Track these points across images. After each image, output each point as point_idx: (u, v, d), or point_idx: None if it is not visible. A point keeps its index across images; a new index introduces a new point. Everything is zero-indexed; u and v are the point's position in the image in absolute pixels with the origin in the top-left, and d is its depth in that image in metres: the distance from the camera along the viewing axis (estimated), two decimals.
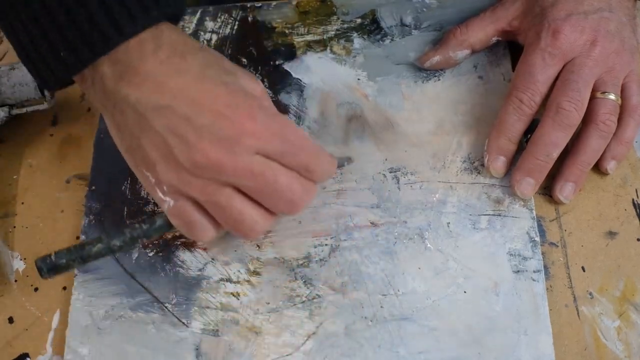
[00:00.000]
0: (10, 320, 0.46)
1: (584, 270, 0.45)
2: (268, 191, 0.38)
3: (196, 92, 0.37)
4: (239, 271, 0.46)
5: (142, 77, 0.37)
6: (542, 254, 0.45)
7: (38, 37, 0.37)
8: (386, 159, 0.49)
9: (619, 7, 0.47)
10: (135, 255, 0.47)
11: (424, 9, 0.55)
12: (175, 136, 0.36)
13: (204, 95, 0.37)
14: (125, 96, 0.37)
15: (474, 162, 0.48)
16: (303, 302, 0.44)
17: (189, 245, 0.47)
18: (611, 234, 0.46)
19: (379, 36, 0.54)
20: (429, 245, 0.46)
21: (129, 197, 0.49)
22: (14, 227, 0.50)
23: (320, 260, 0.46)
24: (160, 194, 0.39)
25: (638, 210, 0.47)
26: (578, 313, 0.43)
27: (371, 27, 0.55)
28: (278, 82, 0.53)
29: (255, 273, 0.46)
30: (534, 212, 0.46)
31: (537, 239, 0.45)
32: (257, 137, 0.37)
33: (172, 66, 0.37)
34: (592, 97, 0.45)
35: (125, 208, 0.49)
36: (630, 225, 0.46)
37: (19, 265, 0.48)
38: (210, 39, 0.55)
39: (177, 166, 0.37)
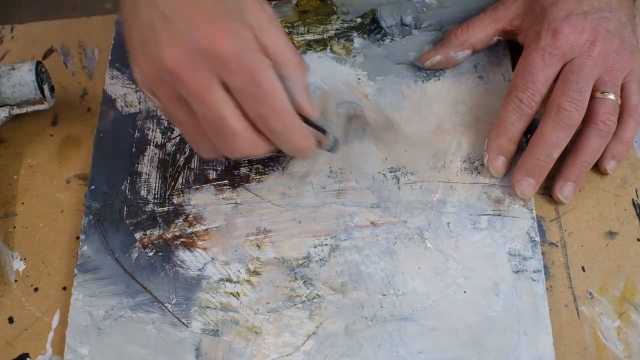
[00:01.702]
0: (10, 320, 0.46)
1: (584, 270, 0.45)
2: (211, 123, 0.38)
3: None
4: (239, 271, 0.46)
5: None
6: (542, 254, 0.45)
7: None
8: (386, 159, 0.49)
9: (619, 7, 0.47)
10: (135, 255, 0.47)
11: (424, 9, 0.55)
12: (153, 33, 0.37)
13: (191, 1, 0.37)
14: None
15: (474, 162, 0.48)
16: (303, 302, 0.44)
17: (189, 245, 0.47)
18: (611, 234, 0.46)
19: (379, 36, 0.54)
20: (429, 245, 0.46)
21: (128, 197, 0.49)
22: (14, 227, 0.50)
23: (320, 260, 0.46)
24: (145, 92, 0.39)
25: (638, 210, 0.47)
26: (578, 313, 0.43)
27: (371, 26, 0.55)
28: None
29: (255, 273, 0.46)
30: (534, 212, 0.46)
31: (537, 239, 0.45)
32: (223, 63, 0.36)
33: None
34: (592, 97, 0.45)
35: (125, 208, 0.49)
36: (630, 225, 0.46)
37: (19, 265, 0.48)
38: None
39: (151, 62, 0.37)
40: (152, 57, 0.37)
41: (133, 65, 0.39)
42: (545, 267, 0.45)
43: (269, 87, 0.37)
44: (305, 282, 0.45)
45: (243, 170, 0.49)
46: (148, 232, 0.48)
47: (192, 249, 0.47)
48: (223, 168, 0.50)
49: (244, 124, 0.38)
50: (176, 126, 0.40)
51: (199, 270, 0.46)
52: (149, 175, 0.50)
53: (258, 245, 0.47)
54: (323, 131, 0.43)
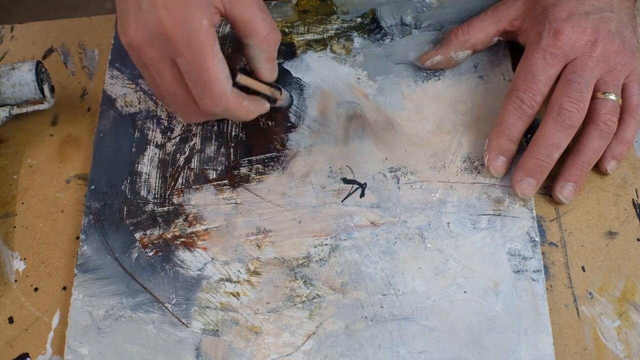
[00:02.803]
0: (10, 320, 0.46)
1: (584, 270, 0.45)
2: (165, 95, 0.43)
3: None
4: (239, 271, 0.46)
5: None
6: (542, 254, 0.45)
7: None
8: (386, 159, 0.49)
9: (620, 7, 0.47)
10: (135, 255, 0.47)
11: (424, 9, 0.55)
12: (125, 5, 0.40)
13: None
14: None
15: (474, 162, 0.48)
16: (303, 302, 0.44)
17: (189, 245, 0.47)
18: (611, 234, 0.46)
19: (379, 35, 0.54)
20: (429, 245, 0.46)
21: (128, 197, 0.49)
22: (14, 227, 0.50)
23: (320, 260, 0.46)
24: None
25: (638, 210, 0.47)
26: (578, 313, 0.43)
27: (371, 26, 0.55)
28: (278, 81, 0.53)
29: (255, 273, 0.46)
30: (534, 212, 0.46)
31: (537, 239, 0.45)
32: (172, 46, 0.39)
33: None
34: (593, 98, 0.45)
35: (125, 208, 0.49)
36: (630, 225, 0.46)
37: (19, 265, 0.48)
38: None
39: (122, 32, 0.41)
40: (124, 27, 0.41)
41: (120, 33, 0.42)
42: (545, 267, 0.45)
43: (209, 72, 0.40)
44: (305, 282, 0.45)
45: (243, 170, 0.49)
46: (148, 232, 0.48)
47: (192, 249, 0.47)
48: (223, 168, 0.50)
49: (194, 99, 0.42)
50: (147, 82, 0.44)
51: (199, 270, 0.46)
52: (149, 175, 0.50)
53: (258, 245, 0.47)
54: (279, 89, 0.47)
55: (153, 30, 0.39)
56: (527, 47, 0.48)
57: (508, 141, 0.46)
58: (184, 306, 0.45)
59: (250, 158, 0.50)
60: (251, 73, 0.44)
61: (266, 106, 0.46)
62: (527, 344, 0.42)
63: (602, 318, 0.43)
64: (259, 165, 0.49)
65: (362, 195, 0.48)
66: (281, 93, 0.47)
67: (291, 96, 0.50)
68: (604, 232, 0.46)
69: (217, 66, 0.40)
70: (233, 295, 0.45)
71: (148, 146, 0.51)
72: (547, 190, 0.47)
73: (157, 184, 0.49)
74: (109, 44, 0.56)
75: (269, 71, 0.45)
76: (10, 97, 0.50)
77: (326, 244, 0.46)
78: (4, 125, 0.52)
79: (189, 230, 0.48)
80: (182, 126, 0.52)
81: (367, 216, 0.47)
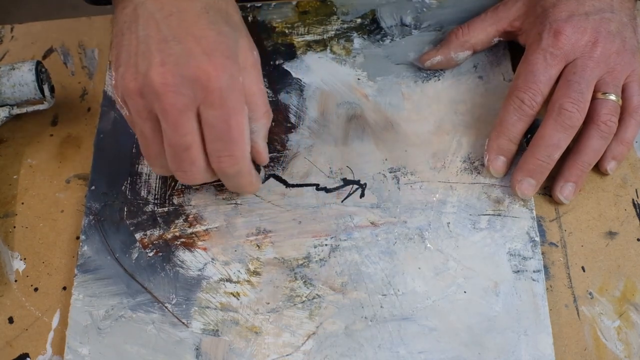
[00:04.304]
0: (10, 320, 0.46)
1: (584, 271, 0.45)
2: (175, 147, 0.39)
3: (188, 21, 0.38)
4: (239, 271, 0.46)
5: None
6: (542, 254, 0.45)
7: None
8: (386, 159, 0.49)
9: (621, 7, 0.47)
10: (135, 255, 0.47)
11: (424, 9, 0.55)
12: (147, 48, 0.38)
13: (193, 28, 0.38)
14: None
15: (474, 162, 0.48)
16: (303, 302, 0.44)
17: (189, 246, 0.47)
18: (611, 234, 0.46)
19: (379, 36, 0.54)
20: (429, 245, 0.46)
21: (129, 197, 0.49)
22: (14, 227, 0.50)
23: (320, 260, 0.46)
24: (116, 98, 0.41)
25: (638, 210, 0.47)
26: (578, 313, 0.44)
27: (371, 27, 0.55)
28: (278, 81, 0.53)
29: (255, 273, 0.46)
30: (534, 212, 0.46)
31: (537, 239, 0.45)
32: (207, 95, 0.37)
33: None
34: (593, 98, 0.45)
35: (125, 208, 0.49)
36: (630, 225, 0.46)
37: (19, 265, 0.48)
38: None
39: (136, 75, 0.38)
40: (140, 70, 0.38)
41: (114, 71, 0.40)
42: (545, 267, 0.45)
43: (237, 131, 0.39)
44: (305, 282, 0.45)
45: None
46: (148, 233, 0.48)
47: (192, 249, 0.47)
48: None
49: (204, 157, 0.40)
50: (137, 137, 0.42)
51: (199, 270, 0.46)
52: (149, 175, 0.50)
53: (258, 246, 0.47)
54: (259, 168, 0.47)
55: (188, 75, 0.37)
56: (527, 47, 0.48)
57: (508, 141, 0.46)
58: (184, 306, 0.45)
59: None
60: None
61: (260, 183, 0.46)
62: (527, 344, 0.42)
63: (602, 318, 0.43)
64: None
65: (362, 195, 0.48)
66: (259, 171, 0.47)
67: (267, 176, 0.49)
68: (604, 232, 0.46)
69: (244, 126, 0.40)
70: (233, 295, 0.45)
71: None
72: (547, 190, 0.47)
73: (157, 185, 0.49)
74: (109, 44, 0.56)
75: (264, 150, 0.44)
76: (10, 97, 0.50)
77: (326, 244, 0.46)
78: (4, 125, 0.52)
79: (189, 230, 0.48)
80: None
81: (367, 216, 0.47)
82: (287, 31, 0.55)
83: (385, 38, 0.54)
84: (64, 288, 0.47)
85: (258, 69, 0.42)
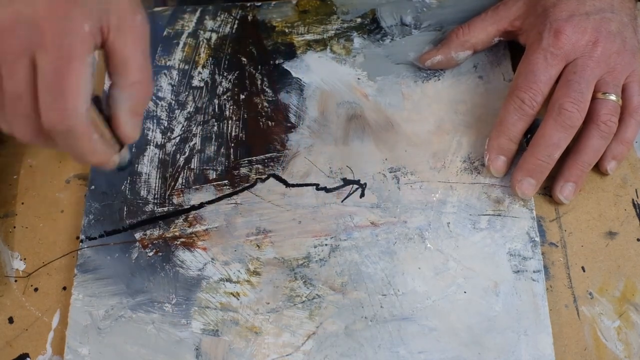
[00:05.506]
0: (10, 320, 0.46)
1: (584, 271, 0.45)
2: (4, 100, 0.35)
3: None
4: (239, 271, 0.46)
5: None
6: (542, 254, 0.45)
7: None
8: (386, 159, 0.49)
9: (621, 7, 0.47)
10: (135, 255, 0.47)
11: (424, 9, 0.55)
12: None
13: None
14: None
15: (474, 162, 0.48)
16: (303, 302, 0.44)
17: (189, 245, 0.47)
18: (611, 234, 0.46)
19: (379, 36, 0.54)
20: (429, 245, 0.46)
21: (128, 197, 0.49)
22: (14, 227, 0.50)
23: (320, 260, 0.46)
24: None
25: (638, 210, 0.47)
26: (578, 313, 0.44)
27: (371, 26, 0.55)
28: (278, 81, 0.53)
29: (255, 273, 0.46)
30: (534, 212, 0.46)
31: (537, 239, 0.45)
32: (40, 37, 0.34)
33: None
34: (594, 98, 0.45)
35: (125, 208, 0.49)
36: (630, 225, 0.46)
37: (19, 265, 0.48)
38: (210, 38, 0.55)
39: None
40: None
41: None
42: (545, 267, 0.45)
43: (70, 81, 0.34)
44: (305, 282, 0.45)
45: (243, 170, 0.49)
46: (148, 232, 0.48)
47: (192, 249, 0.47)
48: (223, 168, 0.50)
49: (31, 111, 0.35)
50: None
51: (199, 270, 0.46)
52: (149, 175, 0.50)
53: (258, 246, 0.47)
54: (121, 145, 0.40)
55: (23, 15, 0.34)
56: (527, 47, 0.48)
57: (508, 141, 0.46)
58: (184, 306, 0.45)
59: (250, 158, 0.50)
60: (108, 119, 0.38)
61: (114, 158, 0.39)
62: (527, 344, 0.42)
63: (602, 318, 0.43)
64: (259, 166, 0.49)
65: (362, 195, 0.48)
66: (121, 150, 0.40)
67: (130, 161, 0.42)
68: (604, 232, 0.46)
69: (81, 77, 0.34)
70: (233, 295, 0.45)
71: (148, 146, 0.51)
72: (547, 190, 0.47)
73: (157, 184, 0.49)
74: None
75: (129, 125, 0.38)
76: None
77: (326, 244, 0.46)
78: None
79: (189, 230, 0.48)
80: (182, 126, 0.52)
81: (367, 216, 0.47)
82: (287, 30, 0.55)
83: (385, 38, 0.54)
84: (64, 288, 0.47)
85: (138, 34, 0.38)
